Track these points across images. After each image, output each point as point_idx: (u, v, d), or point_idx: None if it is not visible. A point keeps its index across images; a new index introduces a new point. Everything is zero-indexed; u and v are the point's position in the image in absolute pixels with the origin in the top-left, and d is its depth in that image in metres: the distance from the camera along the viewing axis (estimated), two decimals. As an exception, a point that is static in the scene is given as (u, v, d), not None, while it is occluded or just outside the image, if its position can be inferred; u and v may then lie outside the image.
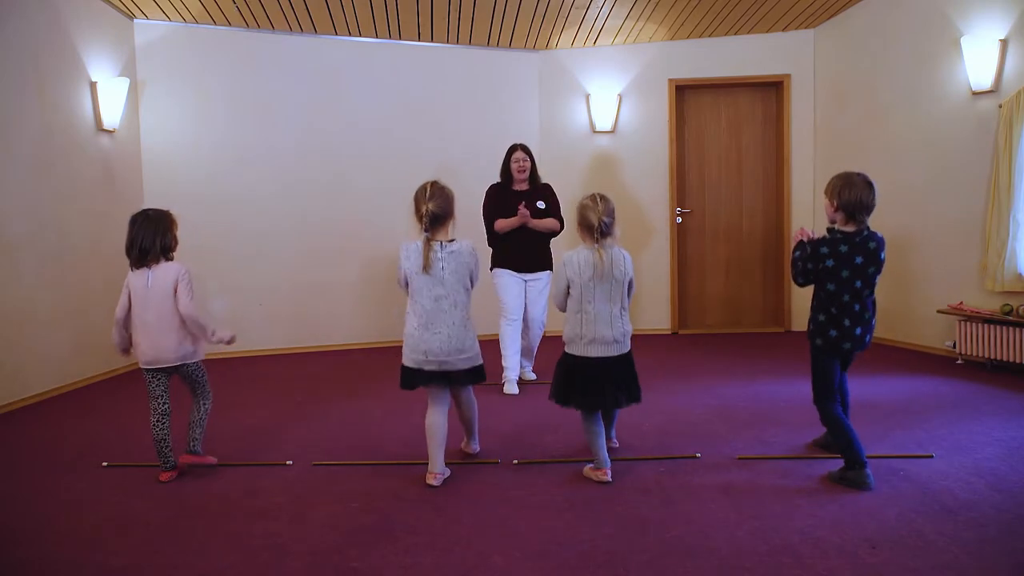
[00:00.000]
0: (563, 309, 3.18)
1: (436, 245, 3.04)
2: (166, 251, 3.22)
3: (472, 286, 3.16)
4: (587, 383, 3.05)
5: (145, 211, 3.25)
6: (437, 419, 3.11)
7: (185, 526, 2.70)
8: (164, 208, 3.29)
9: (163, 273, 3.18)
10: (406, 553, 2.42)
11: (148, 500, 2.98)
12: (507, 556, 2.38)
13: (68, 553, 2.49)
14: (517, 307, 4.97)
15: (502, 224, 4.86)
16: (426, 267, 3.01)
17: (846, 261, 2.92)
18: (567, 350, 3.12)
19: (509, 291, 4.93)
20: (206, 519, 2.76)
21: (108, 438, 3.91)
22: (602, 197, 3.07)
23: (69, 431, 4.09)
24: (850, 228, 2.95)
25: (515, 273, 4.94)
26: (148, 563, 2.40)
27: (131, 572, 2.34)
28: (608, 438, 3.31)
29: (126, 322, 3.23)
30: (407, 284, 3.11)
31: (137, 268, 3.19)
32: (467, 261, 3.07)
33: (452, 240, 3.09)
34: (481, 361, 3.15)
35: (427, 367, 3.05)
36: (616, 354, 3.06)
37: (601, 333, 3.03)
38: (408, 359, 3.09)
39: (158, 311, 3.15)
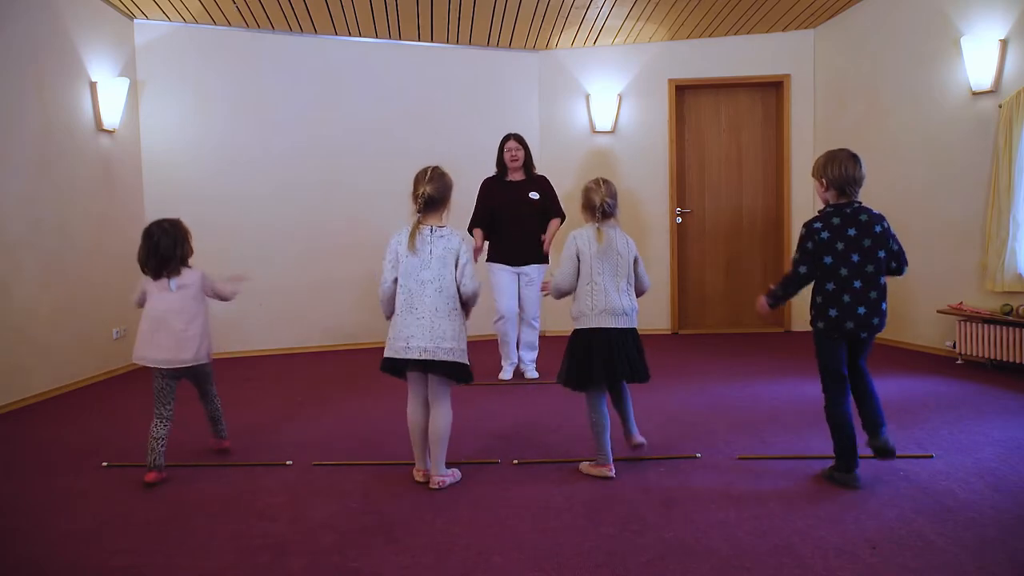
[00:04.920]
0: (570, 289, 3.17)
1: (425, 229, 3.04)
2: (184, 261, 3.32)
3: (465, 275, 3.01)
4: (598, 356, 3.06)
5: (159, 223, 3.31)
6: (415, 415, 3.08)
7: (185, 526, 2.69)
8: (174, 217, 3.36)
9: (186, 280, 3.30)
10: (406, 553, 2.42)
11: (148, 500, 2.98)
12: (507, 556, 2.37)
13: (68, 553, 2.49)
14: (511, 307, 5.03)
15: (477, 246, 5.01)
16: (411, 245, 3.00)
17: (839, 233, 2.88)
18: (577, 326, 3.15)
19: (503, 292, 5.00)
20: (206, 519, 2.76)
21: (108, 438, 3.91)
22: (604, 180, 3.22)
23: (69, 431, 4.09)
24: (842, 202, 2.93)
25: (509, 267, 4.98)
26: (148, 563, 2.40)
27: (131, 572, 2.34)
28: (630, 434, 3.25)
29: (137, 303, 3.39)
30: (393, 282, 3.06)
31: (156, 279, 3.28)
32: (454, 246, 3.03)
33: (443, 226, 3.08)
34: (466, 361, 3.02)
35: (408, 355, 2.96)
36: (625, 327, 3.10)
37: (611, 304, 3.08)
38: (389, 350, 3.04)
39: (182, 316, 3.27)
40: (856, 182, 2.90)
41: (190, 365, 3.30)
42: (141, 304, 3.35)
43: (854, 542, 2.39)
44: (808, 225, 2.96)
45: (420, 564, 2.33)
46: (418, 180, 3.07)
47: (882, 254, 2.88)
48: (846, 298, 2.88)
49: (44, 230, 4.98)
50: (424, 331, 2.96)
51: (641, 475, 3.10)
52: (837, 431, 2.94)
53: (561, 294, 3.22)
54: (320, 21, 6.41)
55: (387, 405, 4.51)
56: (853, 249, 2.87)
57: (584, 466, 3.17)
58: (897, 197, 5.94)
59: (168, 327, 3.25)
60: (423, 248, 3.02)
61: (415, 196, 3.05)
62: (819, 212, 2.99)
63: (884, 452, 2.94)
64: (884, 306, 2.91)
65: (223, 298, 3.48)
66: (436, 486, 2.99)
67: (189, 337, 3.27)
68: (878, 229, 2.89)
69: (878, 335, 2.97)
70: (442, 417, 3.03)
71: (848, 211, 2.90)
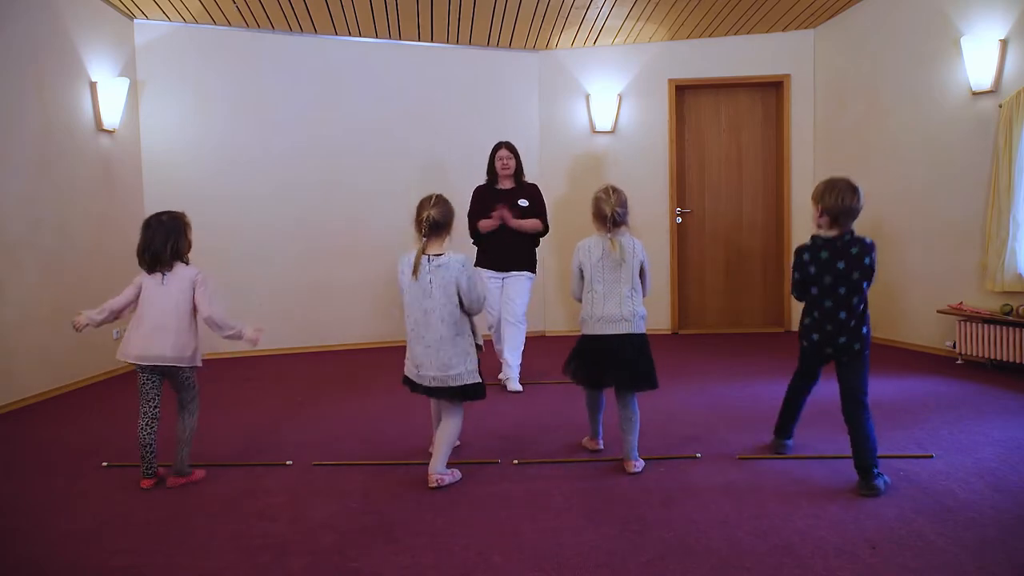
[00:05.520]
0: (579, 298, 3.29)
1: (425, 258, 3.04)
2: (179, 255, 3.20)
3: (468, 299, 3.03)
4: (596, 360, 3.16)
5: (158, 215, 3.22)
6: (435, 405, 3.30)
7: (185, 526, 2.70)
8: (177, 211, 3.26)
9: (178, 275, 3.18)
10: (406, 553, 2.42)
11: (148, 500, 2.98)
12: (507, 556, 2.38)
13: (68, 553, 2.49)
14: (499, 314, 4.97)
15: (484, 225, 4.87)
16: (415, 272, 3.02)
17: (827, 267, 2.92)
18: (581, 331, 3.25)
19: (489, 300, 4.95)
20: (206, 519, 2.76)
21: (108, 438, 3.91)
22: (615, 189, 3.24)
23: (69, 431, 4.09)
24: (833, 233, 2.94)
25: (495, 273, 4.95)
26: (148, 563, 2.40)
27: (131, 572, 2.34)
28: (627, 459, 3.16)
29: (116, 313, 3.18)
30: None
31: (150, 273, 3.19)
32: (454, 274, 3.01)
33: (441, 254, 3.05)
34: (476, 380, 3.08)
35: (420, 381, 3.09)
36: (625, 332, 3.12)
37: (610, 311, 3.13)
38: (406, 369, 3.17)
39: (164, 308, 3.12)
40: (852, 213, 2.90)
41: (168, 364, 3.12)
42: (112, 313, 3.15)
43: (854, 542, 2.39)
44: (798, 254, 3.03)
45: (420, 564, 2.34)
46: (422, 205, 3.07)
47: (867, 285, 2.94)
48: (828, 327, 2.98)
49: (44, 230, 4.98)
50: (432, 359, 3.04)
51: (641, 475, 3.11)
52: (784, 401, 3.38)
53: (576, 298, 3.35)
54: (320, 21, 6.41)
55: (387, 405, 4.51)
56: (840, 283, 2.92)
57: (584, 440, 3.46)
58: (897, 197, 5.94)
59: (150, 319, 3.11)
60: (424, 278, 3.04)
61: (419, 221, 3.04)
62: (811, 240, 3.01)
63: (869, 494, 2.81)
64: (865, 330, 2.97)
65: (206, 319, 3.17)
66: (435, 484, 3.01)
67: (168, 332, 3.09)
68: (867, 261, 2.91)
69: (871, 344, 3.01)
70: (452, 426, 3.12)
71: (839, 244, 2.92)
